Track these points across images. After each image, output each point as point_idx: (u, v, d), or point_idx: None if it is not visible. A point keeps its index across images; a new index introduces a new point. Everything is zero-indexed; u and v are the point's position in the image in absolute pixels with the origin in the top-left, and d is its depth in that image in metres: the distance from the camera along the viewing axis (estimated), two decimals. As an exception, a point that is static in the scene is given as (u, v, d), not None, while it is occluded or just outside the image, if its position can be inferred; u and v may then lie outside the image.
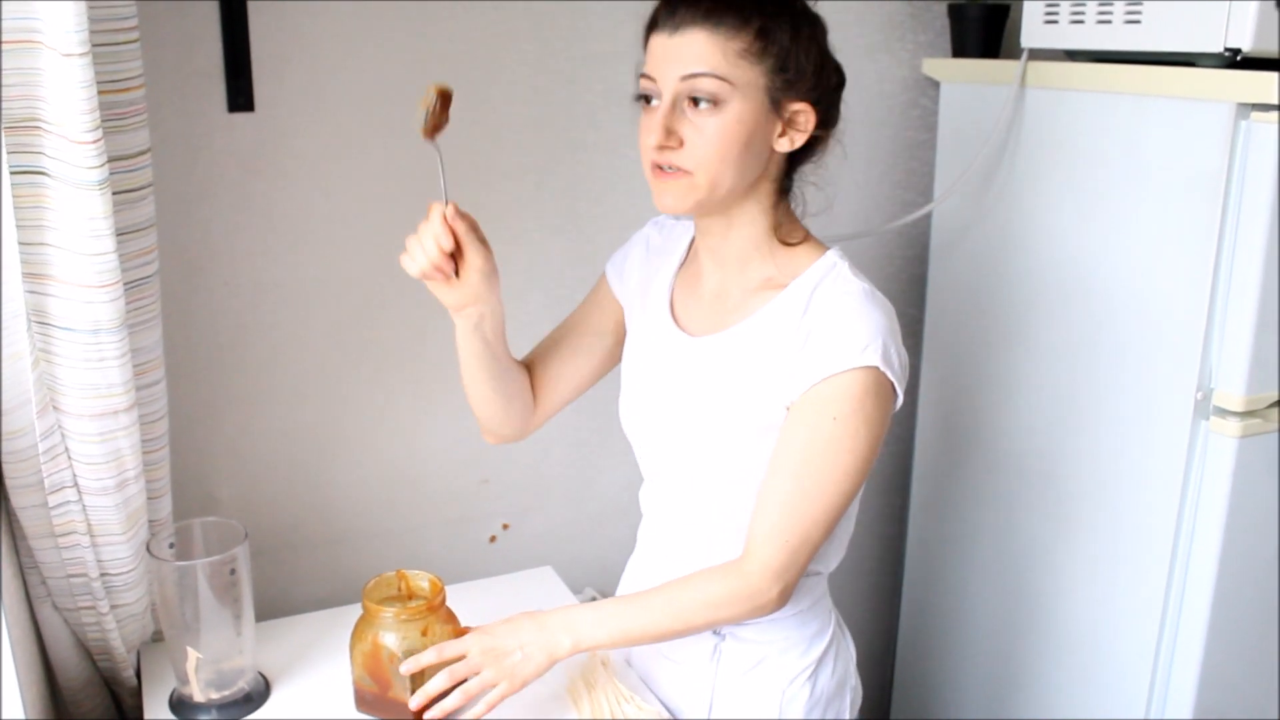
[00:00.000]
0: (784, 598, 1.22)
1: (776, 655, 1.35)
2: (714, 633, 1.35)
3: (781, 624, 1.33)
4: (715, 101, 1.16)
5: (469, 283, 1.22)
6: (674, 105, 1.17)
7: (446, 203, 1.20)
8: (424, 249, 1.20)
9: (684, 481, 1.34)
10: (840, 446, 1.19)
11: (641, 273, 1.39)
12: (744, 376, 1.25)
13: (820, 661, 1.36)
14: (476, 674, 1.23)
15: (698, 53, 1.16)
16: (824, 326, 1.19)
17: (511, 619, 1.26)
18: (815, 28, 1.21)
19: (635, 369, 1.37)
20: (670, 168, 1.19)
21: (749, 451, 1.25)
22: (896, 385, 1.20)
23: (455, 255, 1.21)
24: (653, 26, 1.20)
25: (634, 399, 1.37)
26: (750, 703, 1.36)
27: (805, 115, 1.21)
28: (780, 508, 1.20)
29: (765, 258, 1.27)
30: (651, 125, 1.18)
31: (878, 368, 1.17)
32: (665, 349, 1.33)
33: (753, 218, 1.26)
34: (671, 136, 1.18)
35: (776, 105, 1.19)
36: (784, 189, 1.27)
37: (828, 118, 1.23)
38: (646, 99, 1.20)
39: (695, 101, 1.17)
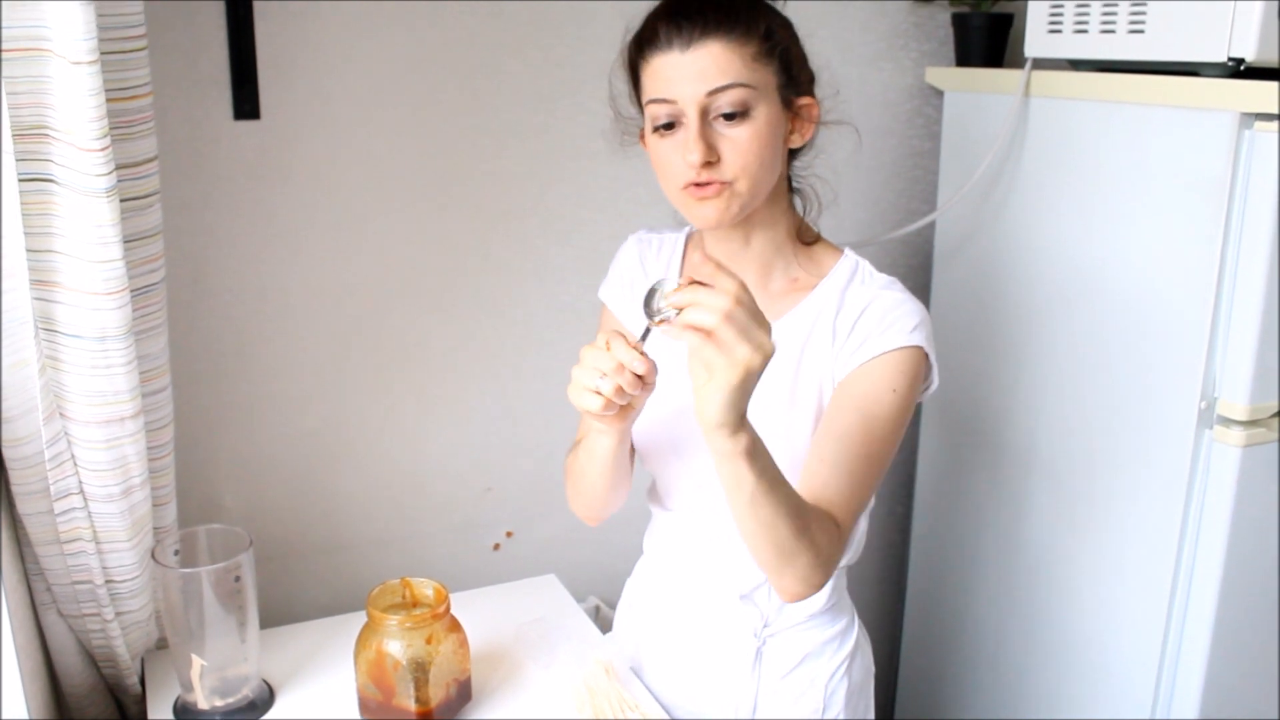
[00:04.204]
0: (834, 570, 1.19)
1: (817, 652, 1.37)
2: (754, 635, 1.36)
3: (819, 620, 1.36)
4: (746, 110, 1.17)
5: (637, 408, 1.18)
6: (703, 121, 1.17)
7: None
8: (603, 388, 1.10)
9: (702, 488, 1.33)
10: (898, 420, 1.21)
11: (639, 289, 1.38)
12: (777, 379, 1.25)
13: (853, 653, 1.40)
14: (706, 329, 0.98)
15: (719, 65, 1.15)
16: (872, 310, 1.23)
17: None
18: (790, 25, 1.25)
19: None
20: (709, 183, 1.19)
21: (778, 445, 1.24)
22: (935, 371, 1.25)
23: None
24: (650, 48, 1.18)
25: (651, 412, 1.36)
26: (796, 701, 1.37)
27: (810, 108, 1.24)
28: (849, 472, 1.18)
29: (788, 260, 1.29)
30: (686, 145, 1.16)
31: (923, 348, 1.22)
32: (683, 364, 1.32)
33: (773, 220, 1.27)
34: (713, 151, 1.17)
35: (788, 103, 1.21)
36: (793, 188, 1.30)
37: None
38: (667, 125, 1.19)
39: (725, 114, 1.16)
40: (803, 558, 1.13)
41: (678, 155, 1.18)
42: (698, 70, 1.16)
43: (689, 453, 1.34)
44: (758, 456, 1.05)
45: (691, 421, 1.31)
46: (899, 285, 1.27)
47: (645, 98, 1.21)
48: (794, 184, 1.31)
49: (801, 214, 1.33)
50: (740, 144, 1.17)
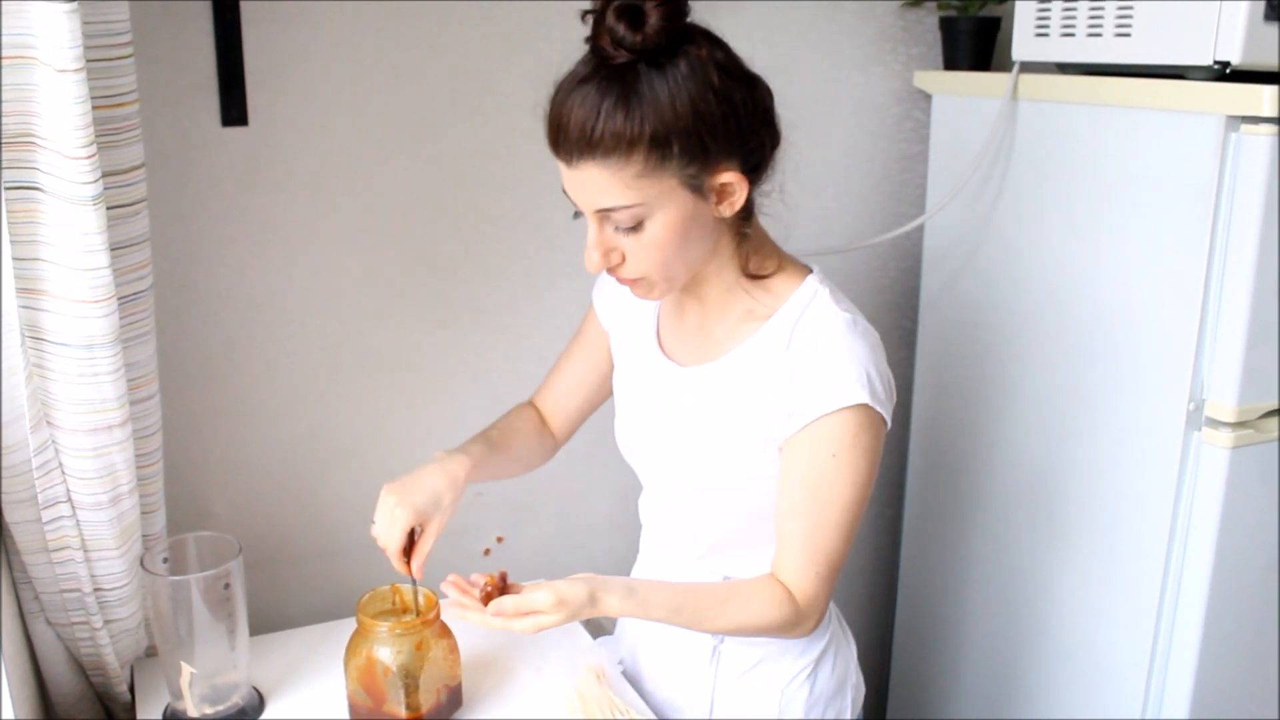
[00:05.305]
0: (820, 620, 1.28)
1: (775, 656, 1.36)
2: (712, 634, 1.36)
3: None
4: (638, 224, 1.14)
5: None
6: (601, 226, 1.16)
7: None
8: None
9: (683, 498, 1.35)
10: (844, 479, 1.21)
11: (626, 299, 1.39)
12: (733, 407, 1.26)
13: (819, 661, 1.38)
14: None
15: (599, 189, 1.12)
16: (810, 365, 1.20)
17: (575, 588, 1.21)
18: (707, 82, 1.10)
19: (629, 396, 1.39)
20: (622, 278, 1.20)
21: (744, 471, 1.27)
22: (885, 416, 1.21)
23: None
24: (548, 141, 1.15)
25: (630, 425, 1.39)
26: (750, 703, 1.37)
27: (733, 182, 1.15)
28: (802, 545, 1.23)
29: (741, 293, 1.27)
30: (587, 244, 1.17)
31: (866, 404, 1.18)
32: (656, 378, 1.34)
33: (719, 267, 1.25)
34: (611, 254, 1.17)
35: (700, 189, 1.14)
36: (743, 229, 1.24)
37: (761, 157, 1.18)
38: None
39: (618, 226, 1.15)
40: (756, 635, 1.27)
41: (588, 248, 1.18)
42: (581, 187, 1.13)
43: (643, 469, 1.41)
44: (636, 606, 1.22)
45: (646, 442, 1.37)
46: (846, 325, 1.20)
47: None
48: (746, 220, 1.24)
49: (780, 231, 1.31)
50: (638, 251, 1.16)
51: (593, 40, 1.11)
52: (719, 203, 1.16)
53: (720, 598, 1.24)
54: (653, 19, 1.07)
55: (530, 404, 1.52)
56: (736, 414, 1.25)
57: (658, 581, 1.26)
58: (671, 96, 1.09)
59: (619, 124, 1.08)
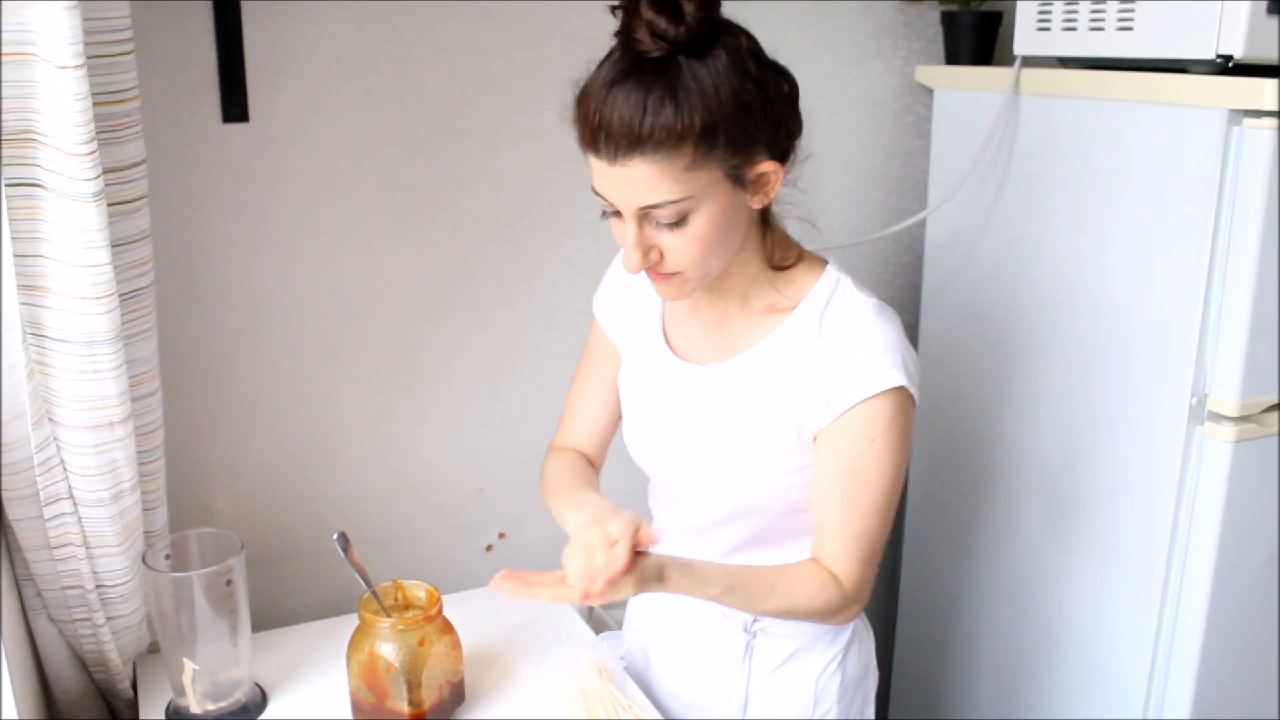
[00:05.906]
0: (864, 604, 1.28)
1: (807, 647, 1.37)
2: (744, 629, 1.36)
3: None
4: (683, 218, 1.12)
5: None
6: (640, 225, 1.14)
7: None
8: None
9: (699, 498, 1.34)
10: (883, 462, 1.22)
11: (627, 303, 1.39)
12: (759, 402, 1.25)
13: (847, 648, 1.39)
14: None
15: (645, 185, 1.09)
16: (845, 352, 1.21)
17: (650, 564, 1.15)
18: (746, 72, 1.11)
19: (638, 400, 1.37)
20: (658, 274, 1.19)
21: (776, 465, 1.26)
22: (916, 396, 1.24)
23: None
24: (583, 143, 1.13)
25: (641, 430, 1.37)
26: (786, 695, 1.38)
27: (770, 171, 1.15)
28: (844, 531, 1.23)
29: (765, 286, 1.27)
30: (626, 245, 1.15)
31: (903, 386, 1.20)
32: (668, 379, 1.33)
33: (743, 262, 1.25)
34: (650, 253, 1.16)
35: (740, 180, 1.14)
36: (766, 220, 1.25)
37: (788, 146, 1.18)
38: (615, 212, 1.16)
39: (662, 221, 1.13)
40: (803, 619, 1.27)
41: (624, 249, 1.16)
42: (624, 185, 1.10)
43: (657, 472, 1.39)
44: (693, 584, 1.18)
45: (660, 446, 1.36)
46: (872, 310, 1.22)
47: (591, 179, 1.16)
48: (767, 214, 1.25)
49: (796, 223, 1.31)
50: (679, 246, 1.14)
51: (626, 35, 1.10)
52: (755, 193, 1.17)
53: (770, 580, 1.23)
54: (690, 9, 1.07)
55: (565, 450, 1.46)
56: (765, 409, 1.25)
57: (708, 561, 1.23)
58: (716, 87, 1.08)
59: (668, 117, 1.07)
